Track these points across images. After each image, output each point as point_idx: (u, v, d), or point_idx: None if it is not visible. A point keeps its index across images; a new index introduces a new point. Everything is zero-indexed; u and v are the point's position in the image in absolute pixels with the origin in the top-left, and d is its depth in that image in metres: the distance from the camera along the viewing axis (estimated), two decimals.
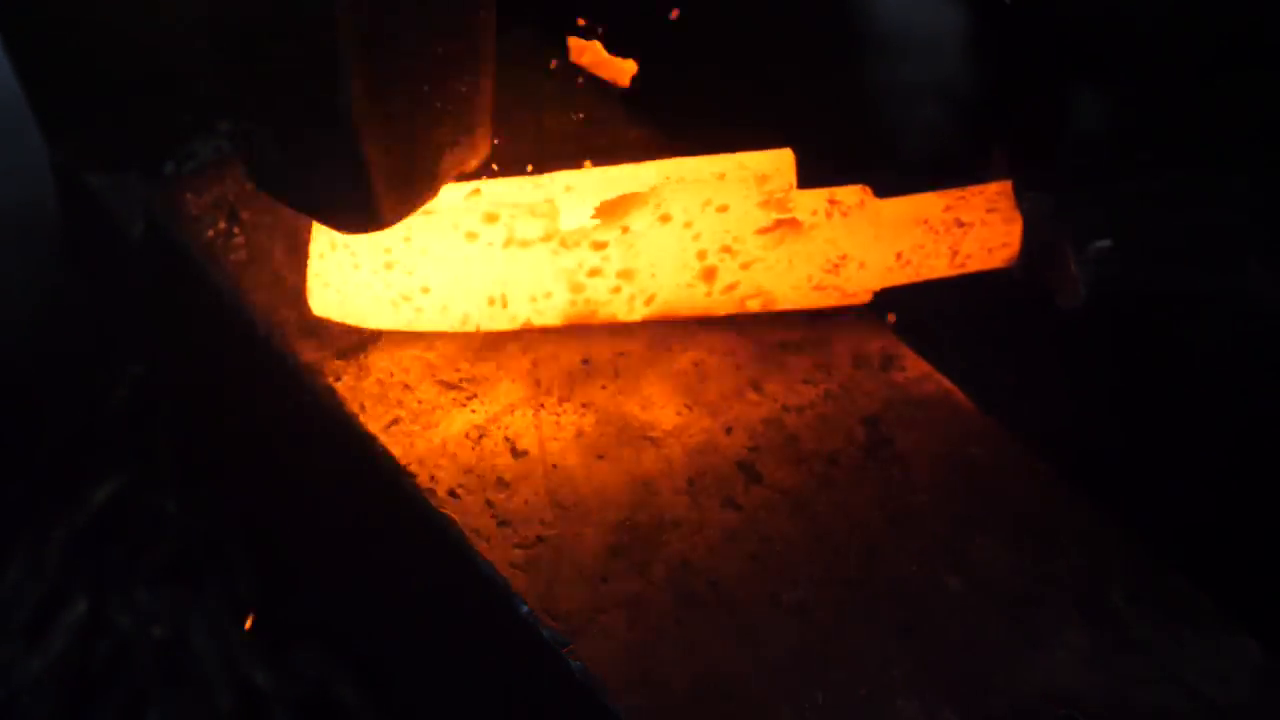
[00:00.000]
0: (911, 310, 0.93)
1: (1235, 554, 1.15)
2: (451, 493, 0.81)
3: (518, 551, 0.79)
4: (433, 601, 0.89)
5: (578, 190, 0.84)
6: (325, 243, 0.85)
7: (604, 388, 0.86)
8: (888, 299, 0.90)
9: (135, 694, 1.18)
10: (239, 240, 0.94)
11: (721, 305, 0.87)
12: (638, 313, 0.86)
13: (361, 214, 0.81)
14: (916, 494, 0.83)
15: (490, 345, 0.88)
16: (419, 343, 0.88)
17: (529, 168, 0.88)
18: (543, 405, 0.85)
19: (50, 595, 1.18)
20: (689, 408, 0.86)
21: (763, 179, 0.83)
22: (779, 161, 0.84)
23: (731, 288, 0.86)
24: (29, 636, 1.18)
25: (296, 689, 1.13)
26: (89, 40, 1.14)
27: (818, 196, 0.84)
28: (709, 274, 0.85)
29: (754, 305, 0.87)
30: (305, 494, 1.01)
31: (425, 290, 0.84)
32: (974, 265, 0.86)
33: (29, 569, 1.19)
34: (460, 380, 0.86)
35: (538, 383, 0.86)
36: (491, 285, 0.84)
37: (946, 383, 0.88)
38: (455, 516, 0.81)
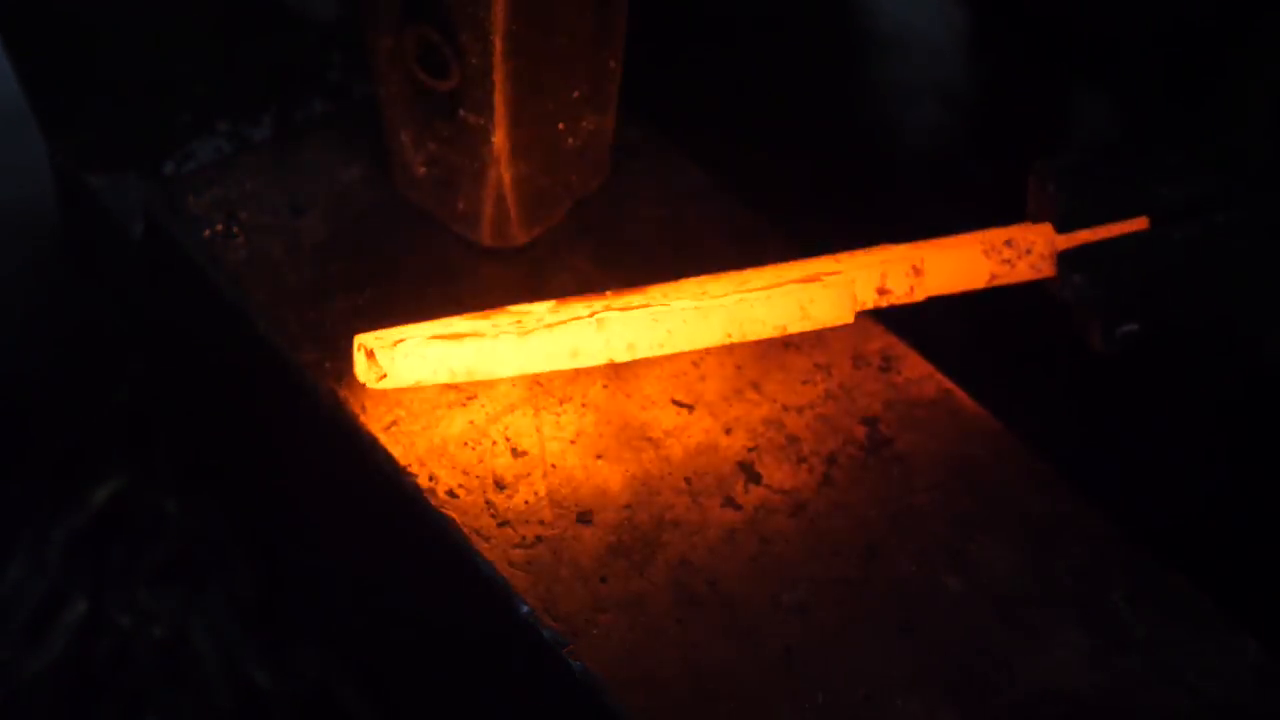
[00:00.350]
0: (912, 310, 0.93)
1: (1235, 554, 1.15)
2: (451, 493, 0.81)
3: (518, 551, 0.79)
4: (433, 602, 0.89)
5: (636, 347, 0.84)
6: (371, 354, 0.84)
7: (604, 387, 0.86)
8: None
9: (135, 694, 1.18)
10: (239, 240, 0.94)
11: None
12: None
13: (493, 229, 0.92)
14: (916, 494, 0.83)
15: None
16: None
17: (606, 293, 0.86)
18: (543, 405, 0.85)
19: (50, 595, 1.18)
20: (689, 408, 0.86)
21: (822, 326, 0.84)
22: (839, 307, 0.85)
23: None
24: (29, 636, 1.18)
25: (296, 689, 1.13)
26: (89, 40, 1.14)
27: (868, 292, 0.85)
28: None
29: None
30: (305, 494, 1.01)
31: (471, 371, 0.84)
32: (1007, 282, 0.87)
33: (29, 569, 1.19)
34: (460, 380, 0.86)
35: (538, 383, 0.86)
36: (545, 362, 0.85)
37: (946, 383, 0.88)
38: (455, 516, 0.81)
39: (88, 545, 1.19)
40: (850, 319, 0.84)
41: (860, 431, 0.85)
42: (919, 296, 0.85)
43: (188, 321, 1.02)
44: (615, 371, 0.87)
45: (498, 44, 0.83)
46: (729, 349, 0.88)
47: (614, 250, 0.94)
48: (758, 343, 0.88)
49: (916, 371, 0.88)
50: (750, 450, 0.84)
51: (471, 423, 0.84)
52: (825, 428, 0.85)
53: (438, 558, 0.82)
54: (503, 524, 0.80)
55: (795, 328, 0.84)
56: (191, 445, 1.21)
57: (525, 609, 0.77)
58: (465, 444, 0.84)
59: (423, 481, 0.82)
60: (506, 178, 0.90)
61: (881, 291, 0.84)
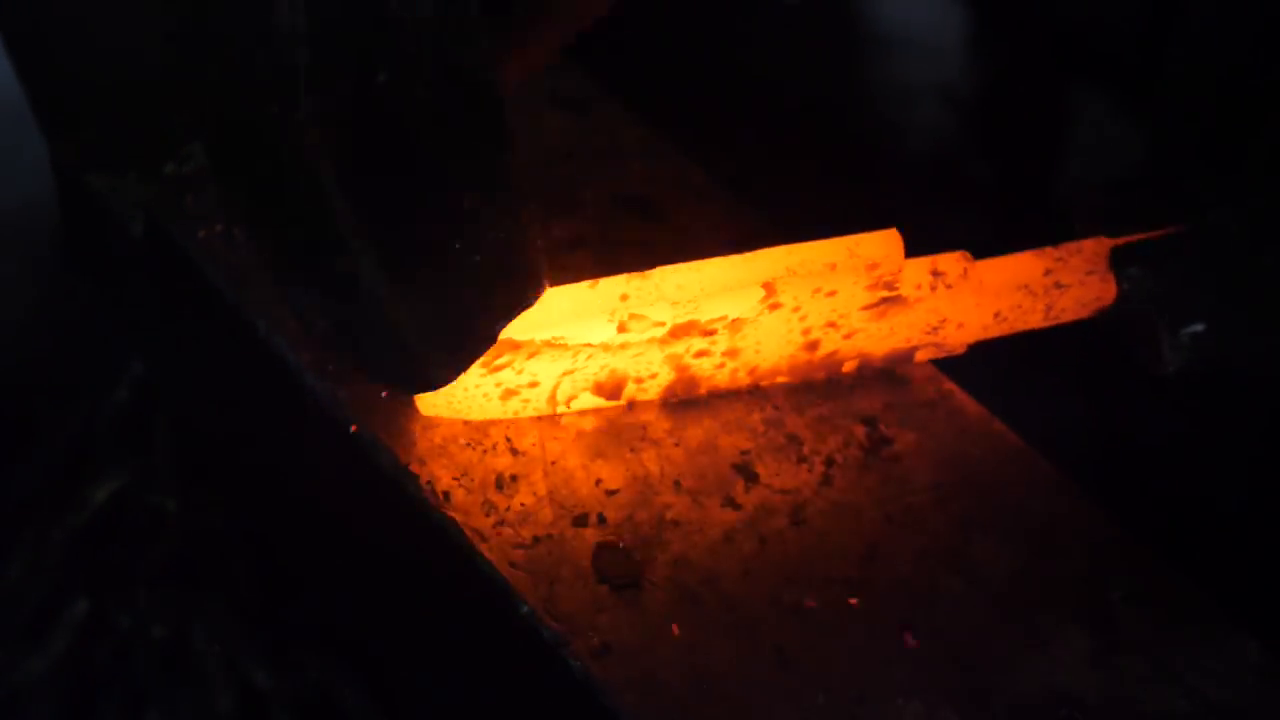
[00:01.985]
0: None
1: (1235, 554, 1.15)
2: (451, 493, 0.81)
3: (518, 551, 0.79)
4: (432, 601, 0.89)
5: (686, 288, 0.83)
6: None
7: (766, 384, 0.86)
8: None
9: (135, 694, 1.18)
10: (239, 240, 0.94)
11: (820, 369, 0.87)
12: (740, 382, 0.86)
13: (411, 377, 0.80)
14: (916, 494, 0.83)
15: None
16: None
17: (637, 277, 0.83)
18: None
19: (50, 595, 1.18)
20: (689, 407, 0.86)
21: (873, 265, 0.83)
22: (888, 244, 0.84)
23: (832, 355, 0.86)
24: (29, 636, 1.18)
25: (296, 689, 1.13)
26: (89, 40, 1.14)
27: (921, 269, 0.84)
28: (812, 346, 0.85)
29: (850, 366, 0.87)
30: (305, 494, 1.01)
31: (534, 385, 0.84)
32: (1067, 318, 0.87)
33: (29, 569, 1.19)
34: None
35: None
36: (600, 373, 0.84)
37: (947, 383, 0.88)
38: (455, 517, 0.81)
39: (88, 545, 1.19)
40: (901, 260, 0.83)
41: (860, 431, 0.85)
42: (972, 283, 0.84)
43: (188, 321, 1.01)
44: None
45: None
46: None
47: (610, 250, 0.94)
48: None
49: (916, 372, 0.88)
50: (750, 450, 0.84)
51: (471, 422, 0.84)
52: (825, 428, 0.85)
53: (437, 558, 0.82)
54: (503, 524, 0.80)
55: (845, 264, 0.83)
56: (191, 445, 1.21)
57: (525, 609, 0.77)
58: (465, 444, 0.84)
59: (423, 481, 0.82)
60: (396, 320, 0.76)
61: (935, 272, 0.84)
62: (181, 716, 1.15)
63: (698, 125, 1.05)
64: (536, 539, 0.80)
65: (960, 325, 0.86)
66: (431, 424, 0.84)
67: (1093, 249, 0.85)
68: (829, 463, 0.84)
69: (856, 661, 0.76)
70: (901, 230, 0.83)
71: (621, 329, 0.82)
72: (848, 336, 0.85)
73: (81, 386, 1.27)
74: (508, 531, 0.80)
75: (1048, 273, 0.85)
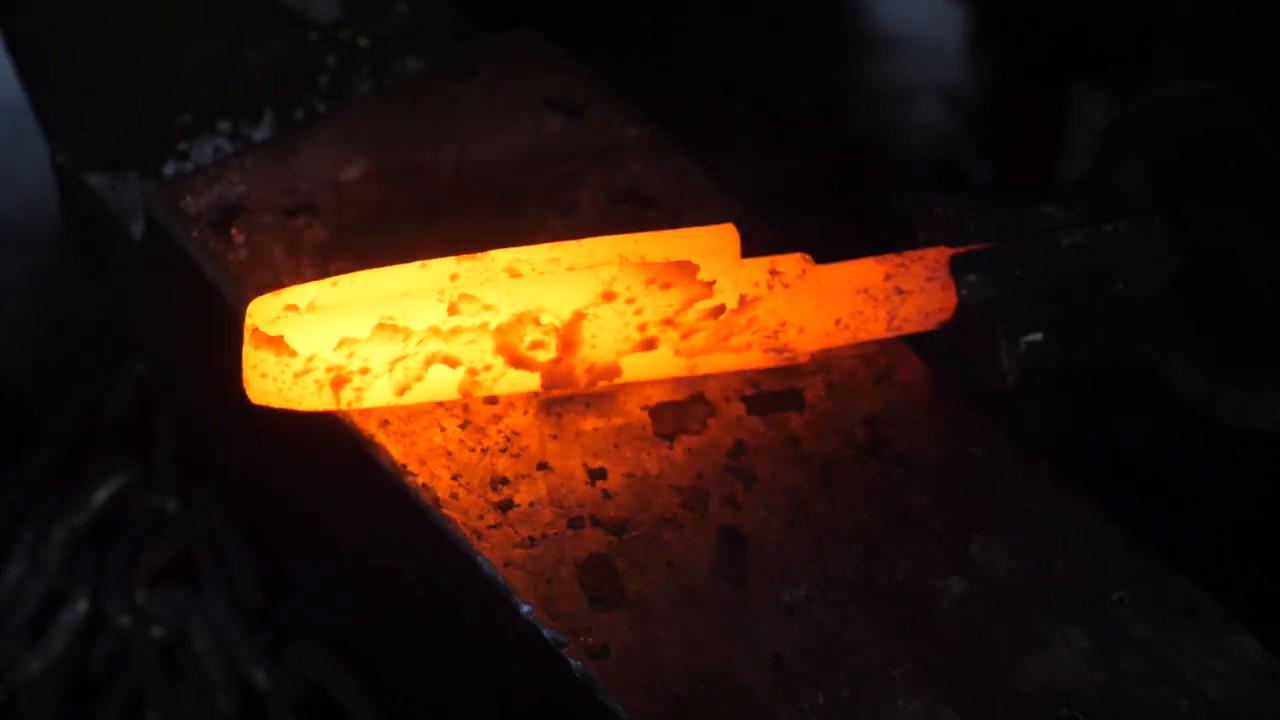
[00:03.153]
0: None
1: (1235, 554, 1.15)
2: (451, 493, 0.81)
3: (518, 551, 0.79)
4: (432, 601, 0.89)
5: (523, 270, 0.82)
6: (261, 342, 0.82)
7: (604, 387, 0.86)
8: None
9: (135, 694, 1.18)
10: (239, 240, 0.94)
11: (667, 369, 0.86)
12: (580, 381, 0.85)
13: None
14: (916, 494, 0.83)
15: None
16: None
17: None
18: (542, 404, 0.85)
19: (50, 595, 1.18)
20: (689, 407, 0.86)
21: (709, 256, 0.82)
22: (723, 239, 0.83)
23: (674, 355, 0.85)
24: (29, 636, 1.18)
25: (296, 689, 1.13)
26: (89, 40, 1.15)
27: (759, 268, 0.83)
28: (649, 344, 0.84)
29: (700, 369, 0.86)
30: (305, 494, 1.01)
31: (365, 371, 0.83)
32: (910, 328, 0.86)
33: (29, 569, 1.19)
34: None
35: None
36: (433, 360, 0.83)
37: (946, 383, 0.88)
38: (455, 516, 0.81)
39: (88, 545, 1.19)
40: (737, 253, 0.82)
41: (860, 431, 0.85)
42: (810, 283, 0.84)
43: (188, 321, 1.02)
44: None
45: None
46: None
47: None
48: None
49: (916, 372, 0.88)
50: (749, 450, 0.84)
51: (471, 422, 0.84)
52: (825, 428, 0.85)
53: (437, 558, 0.82)
54: (503, 524, 0.80)
55: (678, 255, 0.82)
56: (191, 445, 1.21)
57: (525, 609, 0.77)
58: (465, 444, 0.84)
59: (422, 481, 0.82)
60: None
61: (773, 271, 0.83)
62: (181, 716, 1.16)
63: (698, 125, 1.05)
64: (535, 539, 0.80)
65: (801, 330, 0.85)
66: (432, 423, 0.84)
67: (934, 257, 0.85)
68: (829, 463, 0.84)
69: (856, 661, 0.76)
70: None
71: (452, 310, 0.81)
72: (686, 336, 0.84)
73: (81, 386, 1.28)
74: (507, 532, 0.80)
75: (888, 277, 0.85)
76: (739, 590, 0.79)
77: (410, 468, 0.82)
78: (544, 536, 0.80)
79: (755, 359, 0.86)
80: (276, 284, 0.91)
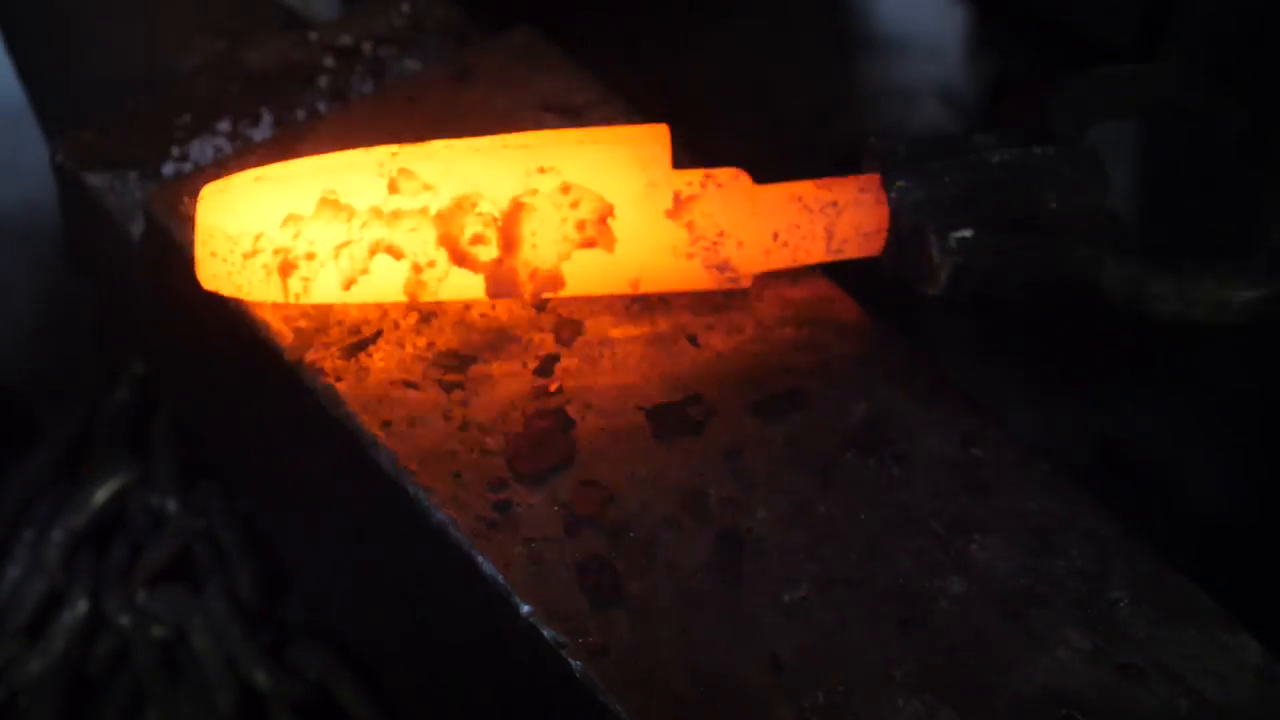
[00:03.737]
0: (912, 309, 0.93)
1: (1235, 554, 1.15)
2: (452, 494, 0.81)
3: (518, 552, 0.79)
4: (433, 601, 0.89)
5: (459, 157, 0.85)
6: (210, 213, 0.86)
7: (603, 386, 0.86)
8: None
9: (135, 694, 1.18)
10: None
11: (609, 284, 0.87)
12: (526, 289, 0.86)
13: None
14: (916, 494, 0.83)
15: (490, 344, 0.88)
16: (420, 342, 0.88)
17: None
18: (543, 403, 0.85)
19: (50, 595, 1.18)
20: (688, 406, 0.86)
21: (641, 144, 0.85)
22: (656, 136, 0.85)
23: (616, 261, 0.86)
24: (29, 636, 1.18)
25: (296, 689, 1.13)
26: (89, 40, 1.15)
27: (695, 173, 0.86)
28: (589, 243, 0.85)
29: (643, 286, 0.87)
30: (305, 494, 1.01)
31: (311, 257, 0.84)
32: (850, 251, 0.87)
33: (29, 569, 1.19)
34: (460, 380, 0.86)
35: (538, 381, 0.86)
36: (376, 249, 0.85)
37: (946, 382, 0.88)
38: (455, 516, 0.81)
39: (88, 545, 1.19)
40: (668, 150, 0.85)
41: (860, 431, 0.85)
42: (743, 187, 0.85)
43: (188, 321, 1.02)
44: (616, 367, 0.87)
45: None
46: (727, 348, 0.88)
47: None
48: (758, 343, 0.88)
49: (917, 372, 0.88)
50: (750, 450, 0.84)
51: (472, 422, 0.84)
52: (825, 428, 0.85)
53: (438, 558, 0.82)
54: (503, 524, 0.80)
55: (613, 145, 0.84)
56: (191, 445, 1.21)
57: (525, 609, 0.77)
58: (466, 445, 0.84)
59: (422, 481, 0.82)
60: None
61: (708, 175, 0.86)
62: (181, 716, 1.15)
63: (698, 126, 1.05)
64: (535, 540, 0.80)
65: (740, 244, 0.86)
66: (432, 423, 0.84)
67: (868, 176, 0.87)
68: (828, 463, 0.84)
69: (857, 661, 0.76)
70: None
71: (393, 188, 0.84)
72: (625, 238, 0.85)
73: (81, 386, 1.28)
74: (507, 532, 0.80)
75: (820, 187, 0.87)
76: (738, 590, 0.79)
77: (411, 468, 0.82)
78: (544, 537, 0.80)
79: (698, 276, 0.86)
80: None
